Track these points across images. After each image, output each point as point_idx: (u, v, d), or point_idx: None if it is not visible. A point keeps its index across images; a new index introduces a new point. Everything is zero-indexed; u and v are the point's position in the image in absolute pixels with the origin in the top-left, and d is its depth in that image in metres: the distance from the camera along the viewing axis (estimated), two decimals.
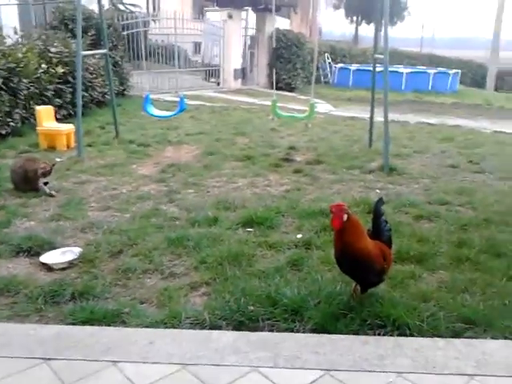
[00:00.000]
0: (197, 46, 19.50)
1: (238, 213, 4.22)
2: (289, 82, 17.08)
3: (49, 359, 2.20)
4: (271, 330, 2.54)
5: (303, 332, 2.53)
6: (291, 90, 16.93)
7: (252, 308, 2.69)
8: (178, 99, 7.60)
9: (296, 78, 17.36)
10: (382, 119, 6.12)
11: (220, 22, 16.68)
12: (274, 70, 9.46)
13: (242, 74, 17.51)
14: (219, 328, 2.54)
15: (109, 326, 2.52)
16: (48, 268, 3.20)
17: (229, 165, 6.07)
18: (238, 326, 2.57)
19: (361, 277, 2.73)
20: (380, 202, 2.85)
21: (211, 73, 17.12)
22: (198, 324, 2.57)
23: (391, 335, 2.50)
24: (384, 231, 2.81)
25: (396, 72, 17.44)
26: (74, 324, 2.53)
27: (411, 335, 2.49)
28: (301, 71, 17.56)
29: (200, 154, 6.64)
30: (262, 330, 2.53)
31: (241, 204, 4.46)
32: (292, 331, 2.53)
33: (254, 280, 2.99)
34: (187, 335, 2.42)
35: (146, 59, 10.50)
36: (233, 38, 16.47)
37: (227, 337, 2.40)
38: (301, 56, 17.37)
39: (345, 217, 2.57)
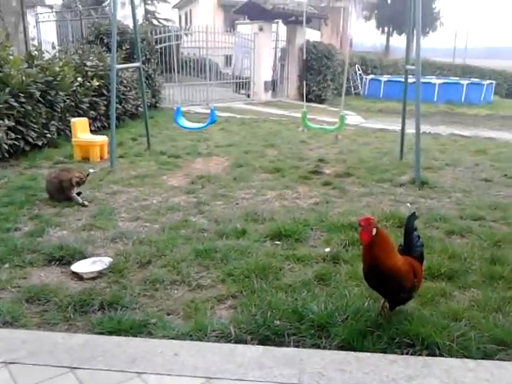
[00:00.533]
0: (228, 59, 19.70)
1: (266, 225, 4.21)
2: (319, 93, 17.06)
3: (75, 368, 2.23)
4: (297, 346, 2.52)
5: (329, 349, 2.49)
6: (321, 101, 16.90)
7: (278, 322, 2.67)
8: (208, 111, 7.70)
9: (326, 90, 17.33)
10: (414, 131, 6.03)
11: (251, 35, 16.84)
12: (305, 82, 9.48)
13: (272, 86, 17.59)
14: (244, 342, 2.53)
15: (135, 336, 2.54)
16: (78, 277, 3.26)
17: (258, 177, 6.09)
18: (264, 341, 2.55)
19: (390, 293, 2.67)
20: (413, 216, 2.79)
21: (241, 85, 17.27)
22: (224, 337, 2.57)
23: (420, 355, 2.44)
24: (416, 247, 2.75)
25: (428, 83, 17.19)
26: (101, 333, 2.57)
27: (441, 355, 2.42)
28: (331, 83, 17.53)
29: (229, 166, 6.67)
30: (287, 346, 2.51)
31: (269, 216, 4.45)
32: (318, 347, 2.50)
33: (281, 294, 2.97)
34: (212, 348, 2.42)
35: (178, 72, 10.68)
36: (263, 51, 16.60)
37: (252, 351, 2.39)
38: (331, 67, 17.34)
39: (374, 231, 2.53)
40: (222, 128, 10.05)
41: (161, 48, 14.01)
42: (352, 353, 2.42)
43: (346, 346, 2.49)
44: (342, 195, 5.33)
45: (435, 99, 17.36)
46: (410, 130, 6.68)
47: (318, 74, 17.00)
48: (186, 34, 18.41)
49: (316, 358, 2.36)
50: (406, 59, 7.38)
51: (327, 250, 3.70)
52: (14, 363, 2.25)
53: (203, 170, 6.48)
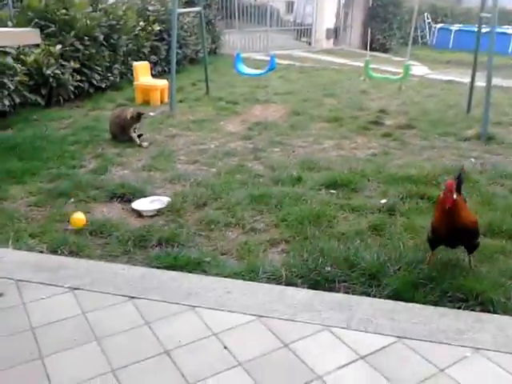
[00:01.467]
0: (289, 5, 19.09)
1: (322, 174, 4.18)
2: (383, 42, 16.28)
3: (133, 297, 2.36)
4: (346, 292, 2.54)
5: (379, 297, 2.49)
6: (385, 50, 16.15)
7: (329, 269, 2.69)
8: (268, 58, 7.57)
9: (391, 39, 16.50)
10: (483, 84, 5.68)
11: None
12: (369, 30, 9.07)
13: (335, 33, 16.95)
14: (295, 285, 2.57)
15: (190, 272, 2.64)
16: (138, 214, 3.39)
17: (315, 126, 5.99)
18: (314, 286, 2.58)
19: (471, 244, 2.71)
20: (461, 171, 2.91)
21: (303, 32, 16.76)
22: (275, 279, 2.62)
23: (472, 310, 2.39)
24: None
25: (503, 33, 15.98)
26: (158, 268, 2.68)
27: (494, 312, 2.37)
28: (397, 31, 16.65)
29: (287, 114, 6.60)
30: (337, 292, 2.54)
31: (325, 165, 4.41)
32: (368, 295, 2.51)
33: (333, 241, 2.98)
34: (263, 289, 2.48)
35: (239, 18, 10.47)
36: None
37: (302, 294, 2.43)
38: (398, 15, 16.42)
39: (455, 195, 2.51)
40: (281, 76, 9.87)
41: None
42: (402, 303, 2.41)
43: (397, 296, 2.48)
44: (401, 147, 5.17)
45: (510, 51, 16.19)
46: (480, 83, 6.29)
47: (384, 22, 16.17)
48: None
49: (365, 305, 2.38)
50: (481, 7, 6.86)
51: (383, 201, 3.64)
52: (78, 289, 2.40)
53: (260, 116, 6.45)
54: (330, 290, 2.56)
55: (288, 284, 2.58)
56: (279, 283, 2.59)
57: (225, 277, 2.61)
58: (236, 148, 5.00)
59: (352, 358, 2.02)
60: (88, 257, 2.81)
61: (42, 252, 2.83)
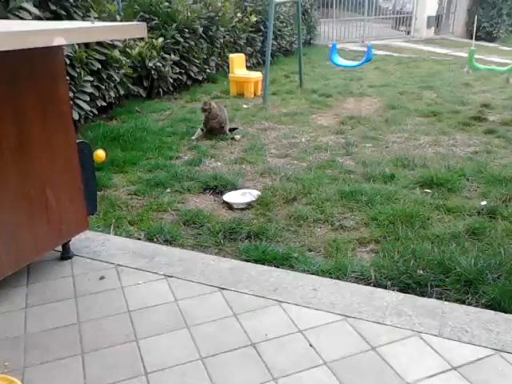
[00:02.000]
0: None
1: (416, 172, 4.02)
2: (490, 30, 15.24)
3: (223, 288, 2.42)
4: (439, 298, 2.42)
5: (475, 306, 2.36)
6: (492, 39, 15.12)
7: (421, 272, 2.59)
8: (363, 49, 7.39)
9: (499, 27, 15.40)
10: None
11: None
12: (476, 17, 8.51)
13: (436, 21, 16.13)
14: (384, 287, 2.50)
15: (277, 267, 2.67)
16: (229, 206, 3.48)
17: (412, 120, 5.76)
18: (404, 289, 2.50)
19: None
20: None
21: (401, 21, 16.15)
22: (363, 280, 2.57)
23: None
24: None
25: None
26: (247, 261, 2.74)
27: None
28: (506, 18, 15.48)
29: (382, 108, 6.41)
30: (429, 297, 2.43)
31: (421, 163, 4.23)
32: (463, 303, 2.38)
33: (427, 244, 2.85)
34: (351, 288, 2.44)
35: (336, 7, 10.30)
36: None
37: (391, 297, 2.36)
38: (509, 0, 15.25)
39: None
40: (377, 67, 9.59)
41: None
42: (501, 314, 2.26)
43: (495, 306, 2.33)
44: (507, 145, 4.82)
45: None
46: None
47: (492, 8, 15.11)
48: None
49: (459, 313, 2.26)
50: None
51: (483, 203, 3.42)
52: (171, 277, 2.52)
53: (354, 110, 6.32)
54: (422, 294, 2.46)
55: (377, 285, 2.52)
56: (368, 284, 2.53)
57: (312, 274, 2.60)
58: (327, 142, 4.95)
59: (444, 367, 1.93)
60: (181, 246, 2.94)
61: (139, 239, 3.00)
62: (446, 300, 2.40)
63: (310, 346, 2.03)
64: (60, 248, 2.67)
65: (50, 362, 1.93)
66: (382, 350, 2.01)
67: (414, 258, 2.68)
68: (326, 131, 5.36)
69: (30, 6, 4.07)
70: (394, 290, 2.48)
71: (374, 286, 2.52)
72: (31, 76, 2.25)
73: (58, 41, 1.80)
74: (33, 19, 4.07)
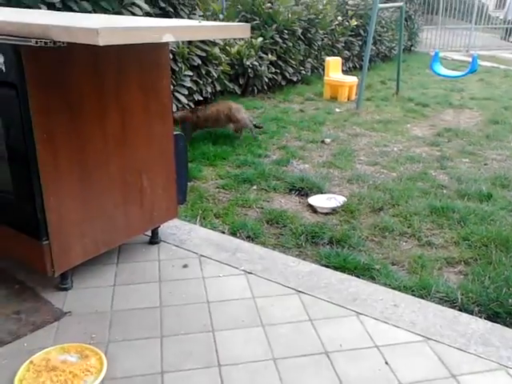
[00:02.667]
0: (500, 0, 17.37)
1: None
2: None
3: (300, 292, 2.41)
4: None
5: None
6: None
7: None
8: (467, 59, 7.04)
9: None
10: None
11: None
12: None
13: None
14: (470, 312, 2.36)
15: (358, 277, 2.61)
16: (313, 210, 3.46)
17: None
18: (492, 317, 2.34)
19: None
20: None
21: None
22: (448, 302, 2.45)
23: None
24: None
25: None
26: (327, 266, 2.70)
27: None
28: None
29: (483, 122, 6.06)
30: None
31: None
32: None
33: None
34: (434, 309, 2.33)
35: (441, 14, 9.89)
36: None
37: (478, 324, 2.22)
38: None
39: None
40: (481, 79, 9.08)
41: None
42: None
43: None
44: None
45: None
46: None
47: None
48: None
49: None
50: None
51: None
52: (251, 273, 2.55)
53: (452, 122, 6.04)
54: None
55: (463, 310, 2.38)
56: (453, 307, 2.40)
57: (393, 288, 2.52)
58: (421, 154, 4.76)
59: None
60: (262, 244, 2.96)
61: (223, 232, 3.06)
62: None
63: (386, 363, 1.97)
64: (149, 233, 2.79)
65: (132, 340, 2.03)
66: (462, 378, 1.90)
67: (506, 286, 2.51)
68: (420, 142, 5.16)
69: (141, 3, 4.29)
70: (481, 316, 2.34)
71: (460, 310, 2.38)
72: (139, 69, 2.37)
73: (167, 37, 1.88)
74: (143, 15, 4.29)
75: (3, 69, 1.96)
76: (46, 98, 2.01)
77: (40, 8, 3.55)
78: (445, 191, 3.83)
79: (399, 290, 2.50)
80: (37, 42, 1.73)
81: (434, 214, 3.38)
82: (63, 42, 1.74)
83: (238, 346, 2.03)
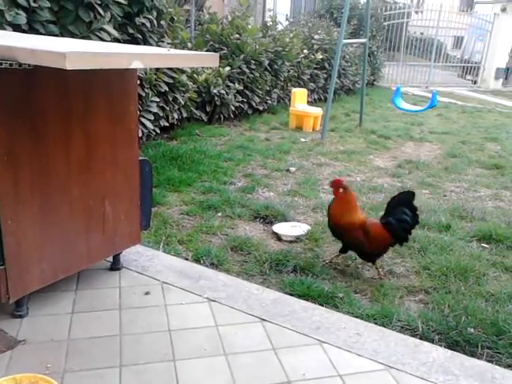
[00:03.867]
0: (458, 40, 18.26)
1: (474, 224, 3.88)
2: None
3: (264, 320, 2.39)
4: (489, 361, 2.29)
5: None
6: None
7: (472, 330, 2.46)
8: (426, 94, 7.33)
9: None
10: None
11: (489, 16, 15.26)
12: None
13: (506, 73, 15.78)
14: (431, 341, 2.39)
15: (321, 305, 2.61)
16: (278, 237, 3.46)
17: (472, 171, 5.60)
18: (452, 346, 2.38)
19: (348, 245, 3.06)
20: (408, 193, 3.04)
21: (469, 70, 15.90)
22: (409, 330, 2.48)
23: None
24: (392, 219, 2.94)
25: None
26: (291, 294, 2.70)
27: None
28: None
29: (442, 155, 6.27)
30: (478, 358, 2.30)
31: (480, 216, 4.07)
32: None
33: (480, 301, 2.72)
34: (396, 338, 2.35)
35: (403, 51, 10.31)
36: (502, 34, 14.92)
37: (438, 353, 2.25)
38: None
39: (341, 190, 2.99)
40: (440, 114, 9.45)
41: (388, 25, 13.65)
42: None
43: None
44: None
45: None
46: None
47: None
48: (417, 12, 17.56)
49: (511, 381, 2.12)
50: None
51: None
52: (214, 301, 2.52)
53: (412, 154, 6.22)
54: (471, 354, 2.34)
55: (423, 338, 2.42)
56: (413, 335, 2.43)
57: (356, 317, 2.53)
58: (383, 184, 4.87)
59: None
60: (226, 271, 2.94)
61: (187, 259, 3.03)
62: (496, 364, 2.27)
63: None
64: (110, 259, 2.73)
65: (89, 370, 1.96)
66: None
67: (465, 315, 2.56)
68: (383, 173, 5.29)
69: (110, 28, 4.30)
70: (441, 345, 2.38)
71: (421, 338, 2.41)
72: (106, 94, 2.36)
73: (136, 64, 1.88)
74: (112, 40, 4.29)
75: None
76: (8, 120, 1.97)
77: (5, 29, 3.51)
78: None
79: (362, 319, 2.52)
80: (1, 64, 1.71)
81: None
82: (29, 65, 1.72)
83: (200, 376, 1.98)
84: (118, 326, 2.25)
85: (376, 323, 2.49)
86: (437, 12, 14.59)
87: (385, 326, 2.47)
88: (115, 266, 2.73)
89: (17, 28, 3.60)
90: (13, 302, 2.18)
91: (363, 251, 3.02)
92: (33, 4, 3.67)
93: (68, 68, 1.57)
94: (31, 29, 3.73)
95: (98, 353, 2.06)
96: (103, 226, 2.48)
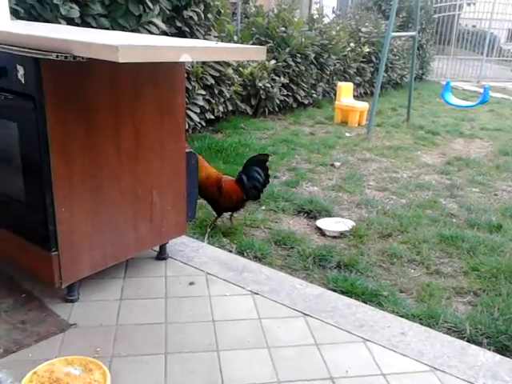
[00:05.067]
0: None
1: None
2: None
3: (306, 315, 2.39)
4: None
5: None
6: None
7: None
8: (478, 89, 7.08)
9: None
10: None
11: None
12: None
13: None
14: (479, 344, 2.33)
15: (365, 303, 2.58)
16: (321, 233, 3.44)
17: None
18: (501, 350, 2.30)
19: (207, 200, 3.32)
20: (262, 156, 3.30)
21: None
22: (456, 332, 2.41)
23: None
24: (246, 176, 3.20)
25: None
26: (334, 291, 2.68)
27: None
28: None
29: (493, 152, 6.06)
30: None
31: None
32: None
33: None
34: (442, 339, 2.30)
35: (454, 44, 9.99)
36: None
37: (487, 357, 2.19)
38: None
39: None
40: (492, 109, 9.10)
41: (438, 18, 13.25)
42: None
43: None
44: None
45: None
46: None
47: None
48: (469, 4, 16.94)
49: None
50: None
51: None
52: (257, 294, 2.53)
53: (462, 151, 6.03)
54: None
55: (471, 341, 2.35)
56: (461, 338, 2.37)
57: (401, 316, 2.48)
58: (430, 181, 4.75)
59: None
60: (269, 264, 2.94)
61: (230, 251, 3.05)
62: None
63: None
64: (157, 248, 2.79)
65: (136, 356, 2.01)
66: None
67: None
68: (430, 170, 5.16)
69: (158, 22, 4.36)
70: (489, 349, 2.30)
71: (468, 341, 2.35)
72: (155, 87, 2.40)
73: (185, 57, 1.90)
74: (160, 33, 4.36)
75: (22, 81, 1.99)
76: (62, 110, 2.04)
77: (59, 23, 3.62)
78: (454, 220, 3.81)
79: (407, 318, 2.47)
80: (57, 56, 1.76)
81: (443, 242, 3.36)
82: (83, 58, 1.76)
83: (243, 367, 2.00)
84: (164, 315, 2.30)
85: (421, 323, 2.44)
86: (490, 3, 14.04)
87: (431, 327, 2.42)
88: (161, 255, 2.78)
89: (70, 21, 3.71)
90: (65, 287, 2.26)
91: (219, 205, 3.30)
92: None
93: (120, 61, 1.61)
94: (83, 22, 3.84)
95: (144, 339, 2.11)
96: (151, 215, 2.53)
